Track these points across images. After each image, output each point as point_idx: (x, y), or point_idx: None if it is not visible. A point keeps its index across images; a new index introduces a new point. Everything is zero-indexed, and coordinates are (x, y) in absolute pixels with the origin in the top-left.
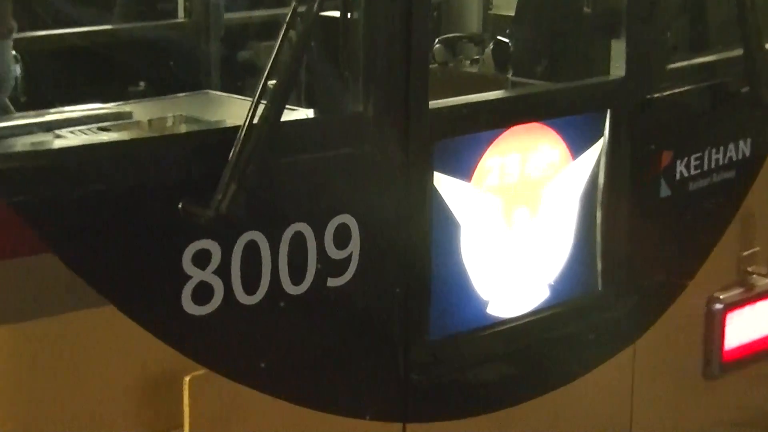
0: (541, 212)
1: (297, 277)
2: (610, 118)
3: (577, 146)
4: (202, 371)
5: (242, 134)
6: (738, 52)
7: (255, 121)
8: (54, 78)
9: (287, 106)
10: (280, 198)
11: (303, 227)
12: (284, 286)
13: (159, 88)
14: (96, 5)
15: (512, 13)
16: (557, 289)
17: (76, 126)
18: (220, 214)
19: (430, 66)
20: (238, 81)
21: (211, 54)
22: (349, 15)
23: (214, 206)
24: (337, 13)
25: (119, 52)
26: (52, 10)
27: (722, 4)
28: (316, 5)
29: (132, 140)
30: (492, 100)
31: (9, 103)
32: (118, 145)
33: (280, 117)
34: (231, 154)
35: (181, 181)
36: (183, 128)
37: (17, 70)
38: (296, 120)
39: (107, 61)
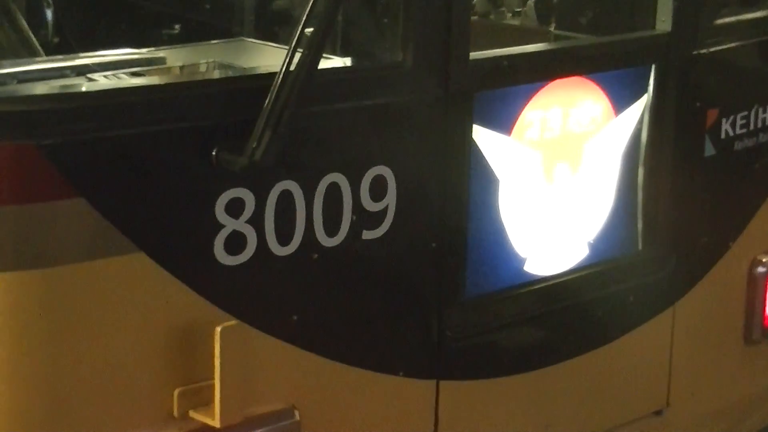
0: (582, 169)
1: (331, 229)
2: (655, 73)
3: (621, 102)
4: (233, 322)
5: (278, 81)
6: None
7: (291, 68)
8: (86, 22)
9: (324, 55)
10: (316, 147)
11: (339, 178)
12: (318, 238)
13: (193, 35)
14: None
15: None
16: (596, 248)
17: (108, 70)
18: (255, 162)
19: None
20: (272, 29)
21: (245, 1)
22: None
23: (248, 154)
24: None
25: None
26: None
27: None
28: None
29: (166, 84)
30: (534, 53)
31: (38, 46)
32: (152, 89)
33: (317, 64)
34: (266, 101)
35: (215, 128)
36: (216, 74)
37: (48, 14)
38: (333, 68)
39: (140, 7)
